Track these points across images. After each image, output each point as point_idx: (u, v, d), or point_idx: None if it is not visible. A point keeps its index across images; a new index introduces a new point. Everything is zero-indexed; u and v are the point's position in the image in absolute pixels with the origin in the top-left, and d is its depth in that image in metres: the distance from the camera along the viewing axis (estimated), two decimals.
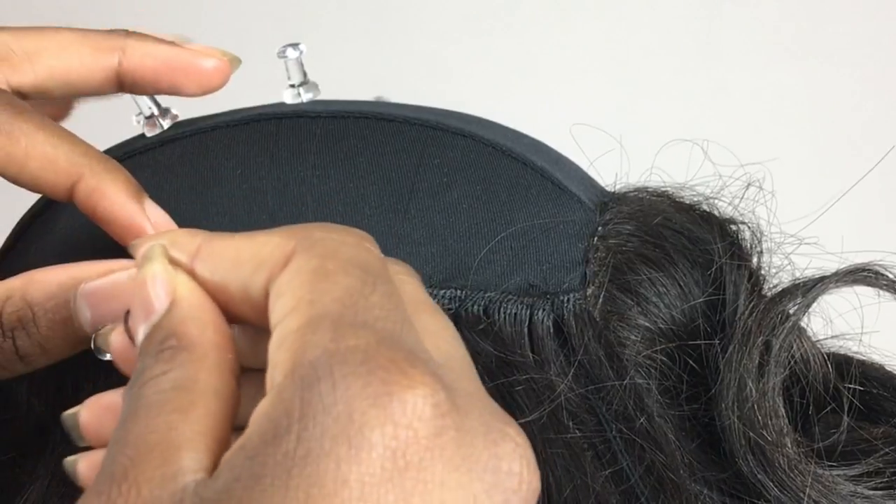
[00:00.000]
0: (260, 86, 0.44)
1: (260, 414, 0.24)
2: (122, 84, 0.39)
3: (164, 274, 0.28)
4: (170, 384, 0.26)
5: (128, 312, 0.30)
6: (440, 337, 0.27)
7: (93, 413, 0.31)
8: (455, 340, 0.28)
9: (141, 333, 0.28)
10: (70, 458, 0.31)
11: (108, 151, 0.41)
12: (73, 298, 0.33)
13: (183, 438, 0.25)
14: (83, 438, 0.31)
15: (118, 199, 0.34)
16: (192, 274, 0.28)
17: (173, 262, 0.28)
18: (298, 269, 0.26)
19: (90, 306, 0.32)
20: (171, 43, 0.40)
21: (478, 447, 0.24)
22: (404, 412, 0.23)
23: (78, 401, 0.35)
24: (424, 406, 0.23)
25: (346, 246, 0.26)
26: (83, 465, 0.31)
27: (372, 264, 0.26)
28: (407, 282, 0.29)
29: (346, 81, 0.53)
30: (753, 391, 0.34)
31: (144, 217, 0.34)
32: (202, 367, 0.26)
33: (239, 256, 0.27)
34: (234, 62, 0.40)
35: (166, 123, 0.41)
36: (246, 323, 0.28)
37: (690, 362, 0.36)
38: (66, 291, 0.33)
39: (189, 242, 0.28)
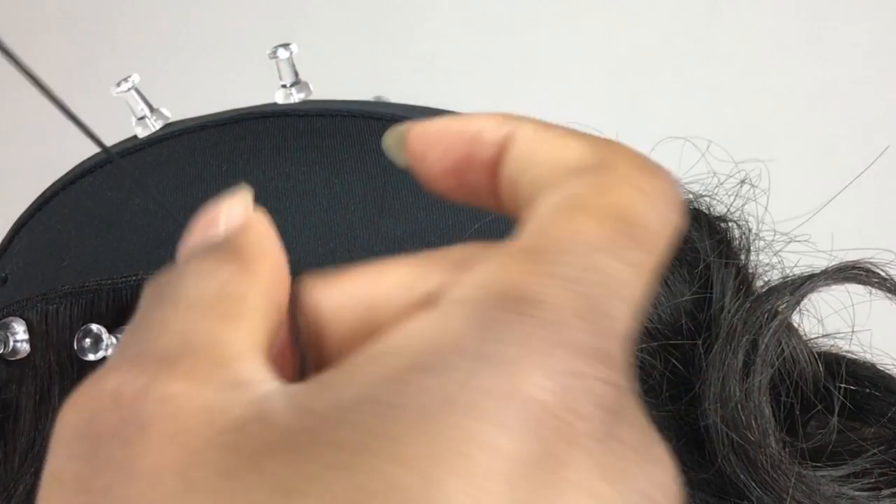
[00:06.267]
0: (254, 86, 0.44)
1: (416, 332, 0.19)
2: None
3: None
4: (215, 288, 0.20)
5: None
6: None
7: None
8: None
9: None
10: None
11: None
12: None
13: (241, 347, 0.20)
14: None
15: None
16: None
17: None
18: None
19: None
20: None
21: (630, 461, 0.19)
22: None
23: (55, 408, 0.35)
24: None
25: None
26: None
27: None
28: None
29: (345, 81, 0.53)
30: (737, 390, 0.34)
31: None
32: (254, 285, 0.21)
33: None
34: None
35: (157, 124, 0.41)
36: None
37: (674, 361, 0.36)
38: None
39: None
